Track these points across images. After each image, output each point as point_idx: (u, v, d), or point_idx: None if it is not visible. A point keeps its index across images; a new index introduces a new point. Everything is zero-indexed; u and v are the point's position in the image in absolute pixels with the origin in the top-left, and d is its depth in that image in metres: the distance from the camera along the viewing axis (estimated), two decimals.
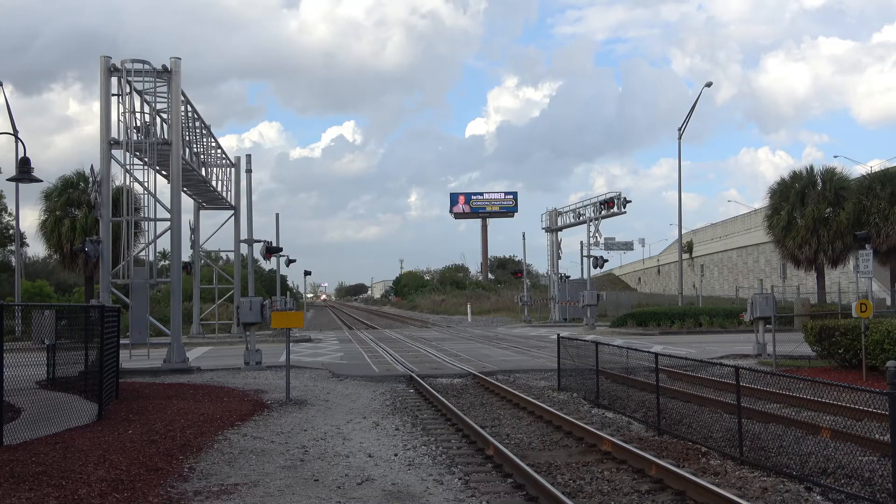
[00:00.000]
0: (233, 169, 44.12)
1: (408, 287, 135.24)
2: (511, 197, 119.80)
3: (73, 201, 43.65)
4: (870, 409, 12.49)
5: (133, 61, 26.47)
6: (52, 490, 8.80)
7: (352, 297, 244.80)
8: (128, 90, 26.55)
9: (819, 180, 44.73)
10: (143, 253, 32.67)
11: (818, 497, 8.79)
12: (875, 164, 58.25)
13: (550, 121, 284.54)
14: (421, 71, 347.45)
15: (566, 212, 60.81)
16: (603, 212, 54.92)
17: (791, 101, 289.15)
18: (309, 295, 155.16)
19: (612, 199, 55.10)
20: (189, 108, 30.75)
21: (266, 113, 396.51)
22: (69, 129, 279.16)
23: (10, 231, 46.51)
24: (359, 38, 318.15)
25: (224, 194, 42.43)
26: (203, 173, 36.53)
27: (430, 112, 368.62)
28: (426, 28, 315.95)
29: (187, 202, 40.07)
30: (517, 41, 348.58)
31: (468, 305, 75.79)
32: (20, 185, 36.39)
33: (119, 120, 26.33)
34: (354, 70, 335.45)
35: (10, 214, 47.68)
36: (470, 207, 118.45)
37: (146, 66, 26.56)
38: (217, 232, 68.78)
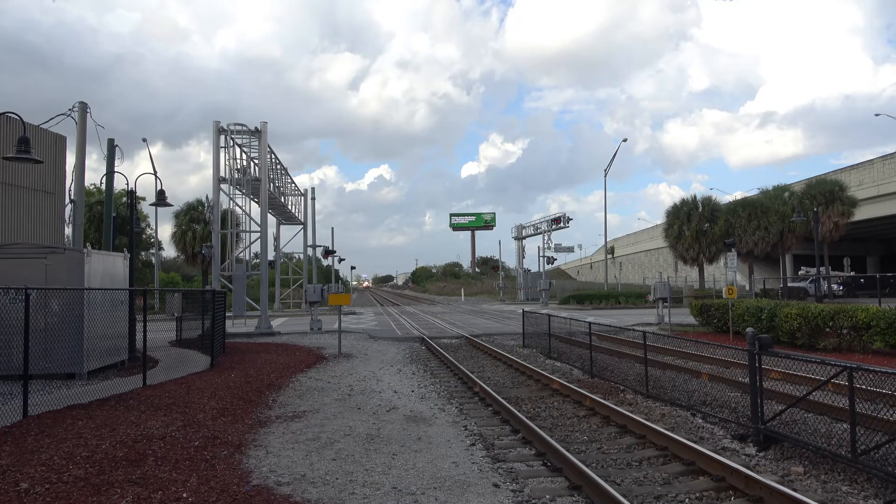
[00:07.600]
0: (303, 197, 44.10)
1: (421, 277, 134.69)
2: (492, 215, 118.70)
3: (194, 219, 43.63)
4: (735, 361, 12.48)
5: (234, 124, 26.47)
6: (179, 415, 8.78)
7: (383, 284, 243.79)
8: (231, 144, 26.58)
9: (700, 205, 44.62)
10: (241, 254, 32.60)
11: (700, 420, 8.75)
12: (738, 195, 58.27)
13: (522, 165, 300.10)
14: (437, 133, 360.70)
15: (528, 226, 60.68)
16: (553, 226, 54.91)
17: (684, 152, 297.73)
18: (353, 283, 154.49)
19: (559, 217, 55.12)
20: (273, 156, 30.73)
21: (331, 160, 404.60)
22: (198, 171, 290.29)
23: (152, 240, 47.01)
24: (397, 111, 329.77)
25: (297, 214, 42.43)
26: (282, 200, 36.51)
27: (442, 159, 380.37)
28: (442, 104, 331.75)
29: (271, 220, 39.99)
30: (502, 112, 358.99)
31: (462, 290, 75.59)
32: (158, 208, 36.49)
33: (225, 164, 26.38)
34: (393, 132, 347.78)
35: (151, 228, 48.09)
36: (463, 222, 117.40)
37: (243, 128, 26.57)
38: (291, 240, 68.47)
